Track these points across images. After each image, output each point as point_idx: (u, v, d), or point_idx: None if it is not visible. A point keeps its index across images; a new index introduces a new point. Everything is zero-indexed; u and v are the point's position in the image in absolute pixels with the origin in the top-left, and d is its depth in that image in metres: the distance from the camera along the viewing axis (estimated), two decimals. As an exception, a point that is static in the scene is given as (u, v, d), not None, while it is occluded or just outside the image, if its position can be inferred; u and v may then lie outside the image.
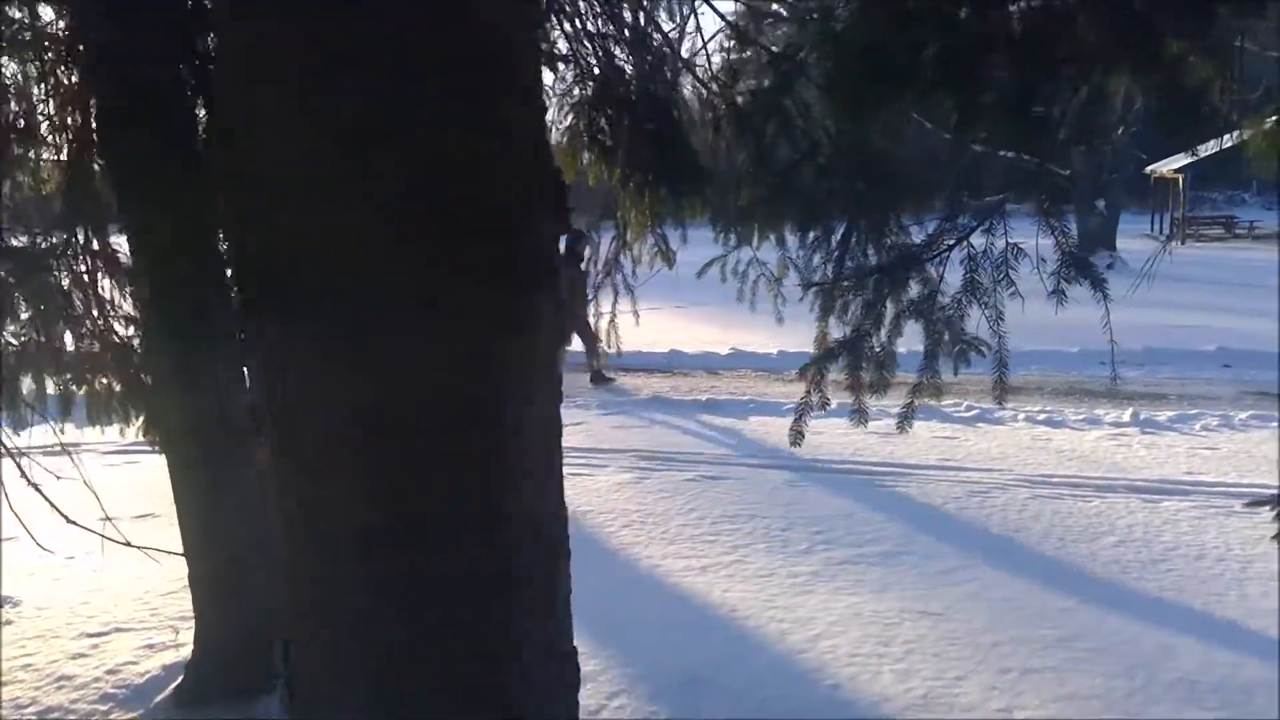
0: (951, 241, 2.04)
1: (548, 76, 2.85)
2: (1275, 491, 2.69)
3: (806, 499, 5.97)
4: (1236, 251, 23.87)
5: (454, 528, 1.46)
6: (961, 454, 7.04)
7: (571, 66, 2.75)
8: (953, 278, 2.36)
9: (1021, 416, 8.16)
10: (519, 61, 1.33)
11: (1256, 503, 2.77)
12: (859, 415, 2.45)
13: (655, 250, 3.14)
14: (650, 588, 4.70)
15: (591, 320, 9.46)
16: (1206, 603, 4.30)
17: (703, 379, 10.64)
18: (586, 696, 3.61)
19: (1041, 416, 8.16)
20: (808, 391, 2.37)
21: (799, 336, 3.84)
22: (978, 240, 2.16)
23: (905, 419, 2.45)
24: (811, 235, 2.26)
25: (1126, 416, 7.96)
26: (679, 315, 13.59)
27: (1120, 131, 21.14)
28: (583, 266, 8.70)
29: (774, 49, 2.70)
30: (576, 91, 2.79)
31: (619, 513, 5.76)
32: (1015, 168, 2.07)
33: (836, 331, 2.35)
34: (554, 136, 3.04)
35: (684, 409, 8.82)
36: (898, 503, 5.91)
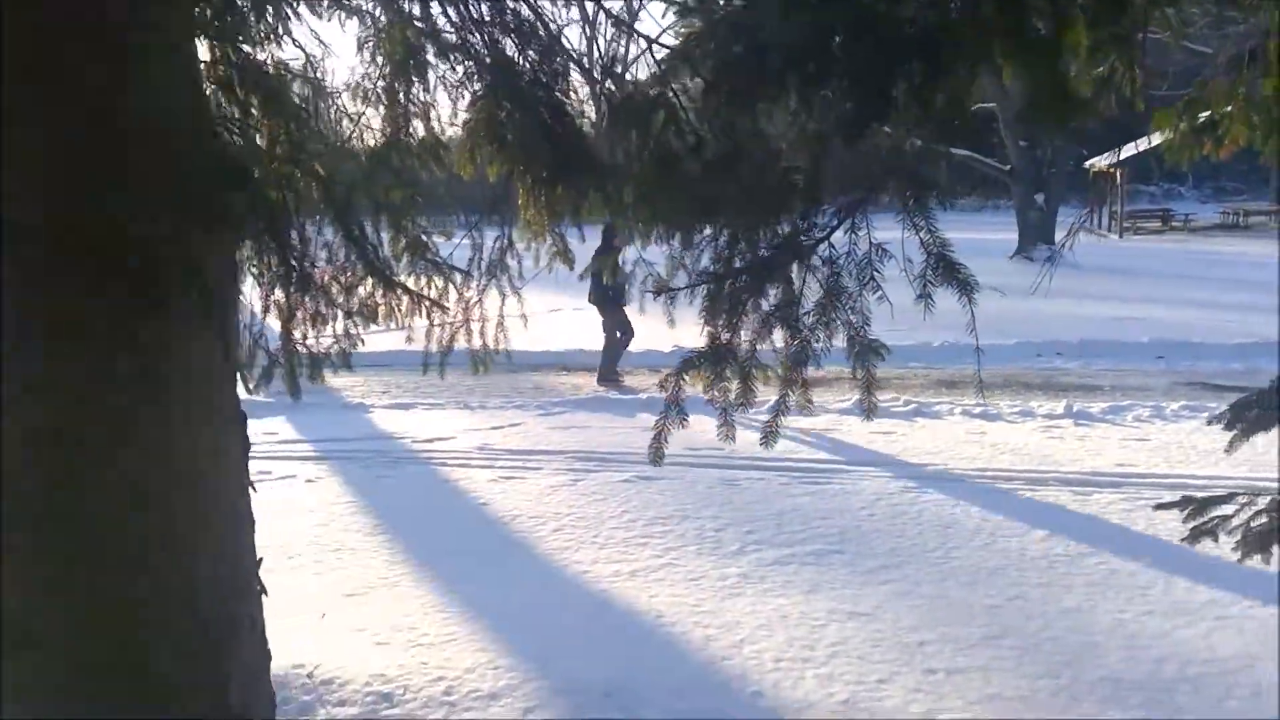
0: (821, 235, 1.94)
1: (440, 66, 2.74)
2: (1194, 493, 2.65)
3: (741, 499, 5.90)
4: (1173, 244, 24.43)
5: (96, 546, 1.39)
6: (898, 449, 7.02)
7: (462, 56, 2.62)
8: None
9: (958, 410, 8.19)
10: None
11: (1164, 506, 2.73)
12: (725, 431, 2.35)
13: (554, 250, 3.02)
14: (578, 595, 4.58)
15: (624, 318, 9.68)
16: (1132, 597, 4.30)
17: (645, 377, 10.56)
18: (503, 710, 3.49)
19: (977, 410, 8.18)
20: (668, 405, 2.27)
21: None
22: (849, 239, 2.07)
23: (769, 436, 2.35)
24: (698, 234, 2.15)
25: (1060, 409, 8.02)
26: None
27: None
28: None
29: (656, 39, 2.62)
30: (472, 83, 2.66)
31: (550, 517, 5.63)
32: (884, 161, 1.98)
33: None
34: (452, 130, 2.92)
35: (624, 408, 8.71)
36: (833, 500, 5.86)
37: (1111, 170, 26.83)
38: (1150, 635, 3.88)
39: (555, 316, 13.12)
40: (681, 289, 2.16)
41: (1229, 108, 2.57)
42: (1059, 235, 20.68)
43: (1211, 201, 33.53)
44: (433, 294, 3.00)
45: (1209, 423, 2.60)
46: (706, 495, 5.93)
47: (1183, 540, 2.73)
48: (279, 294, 2.69)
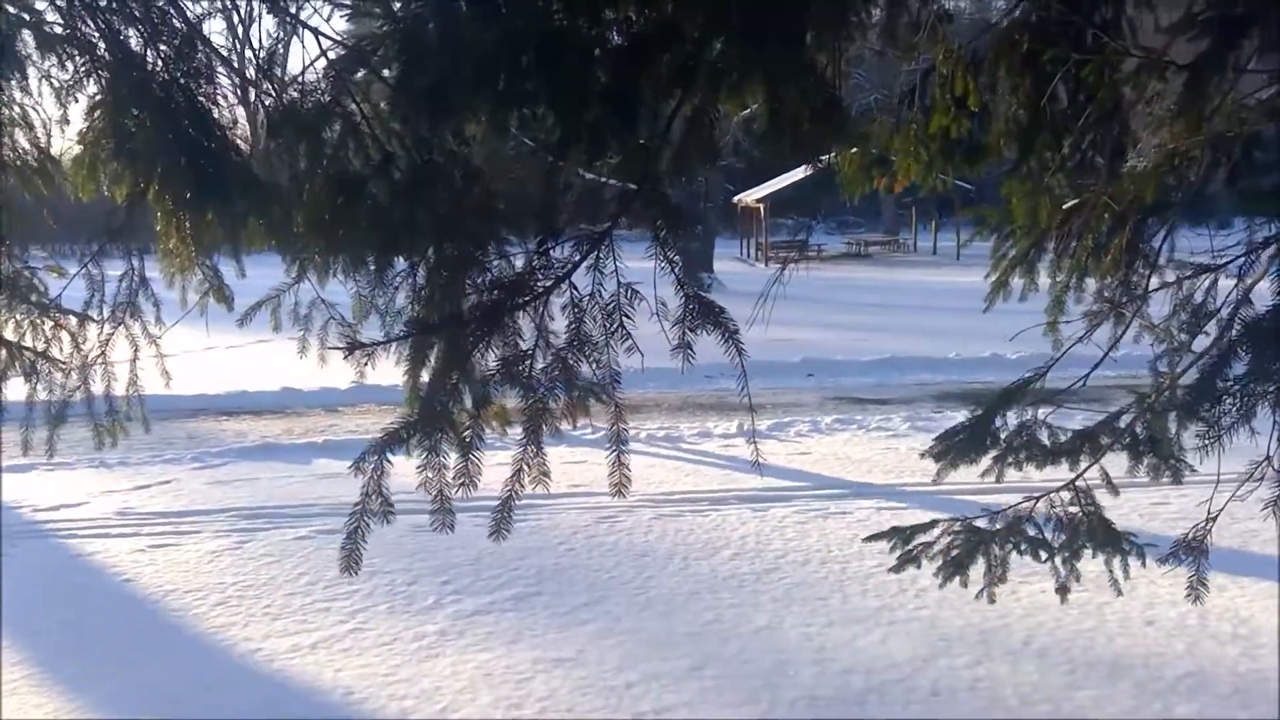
0: (548, 283, 1.76)
1: (44, 62, 2.19)
2: (892, 528, 2.78)
3: (433, 546, 5.53)
4: (809, 272, 27.26)
5: None
6: (590, 478, 7.00)
7: (73, 50, 2.11)
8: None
9: (643, 435, 8.39)
10: None
11: (873, 538, 2.84)
12: (442, 520, 2.09)
13: (206, 288, 2.55)
14: (248, 678, 4.00)
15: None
16: (815, 609, 4.53)
17: (321, 418, 9.80)
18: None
19: (661, 434, 8.44)
20: (366, 494, 1.97)
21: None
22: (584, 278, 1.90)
23: (500, 527, 2.10)
24: (388, 269, 1.88)
25: (734, 428, 8.48)
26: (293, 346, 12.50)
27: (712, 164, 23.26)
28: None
29: (336, 38, 2.31)
30: (87, 84, 2.15)
31: (212, 589, 4.92)
32: (624, 192, 1.85)
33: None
34: (66, 142, 2.38)
35: (298, 454, 7.97)
36: (530, 538, 5.68)
37: (757, 205, 29.51)
38: (835, 647, 4.09)
39: (210, 355, 11.84)
40: (373, 346, 1.84)
41: (899, 144, 2.75)
42: (717, 265, 22.27)
43: (836, 233, 37.99)
44: (39, 344, 2.40)
45: (921, 457, 2.77)
46: (396, 545, 5.50)
47: (890, 570, 2.85)
48: None
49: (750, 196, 30.57)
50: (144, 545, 5.61)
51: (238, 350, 11.06)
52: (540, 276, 1.75)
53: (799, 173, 22.53)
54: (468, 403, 1.91)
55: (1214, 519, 2.59)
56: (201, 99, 2.07)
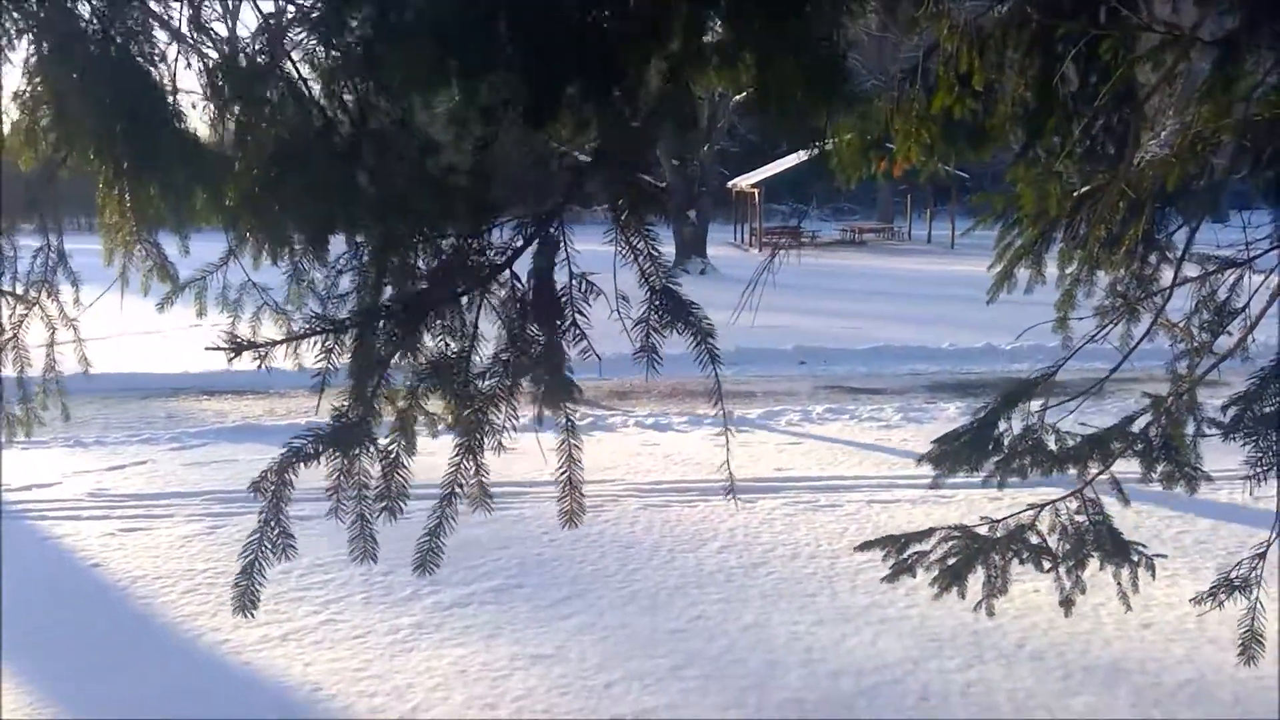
0: (505, 256, 1.58)
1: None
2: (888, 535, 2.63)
3: (413, 534, 5.38)
4: (803, 258, 27.05)
5: None
6: (575, 467, 6.86)
7: (11, 4, 1.93)
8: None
9: (631, 422, 8.25)
10: None
11: (866, 546, 2.70)
12: (363, 549, 1.92)
13: (150, 266, 2.39)
14: (212, 671, 3.85)
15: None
16: (804, 606, 4.40)
17: (304, 398, 9.62)
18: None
19: (649, 420, 8.30)
20: (265, 522, 1.79)
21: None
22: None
23: (425, 560, 1.93)
24: (326, 249, 1.70)
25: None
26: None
27: (707, 148, 23.04)
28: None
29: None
30: (15, 41, 1.96)
31: (181, 575, 4.77)
32: (579, 165, 1.68)
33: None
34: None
35: (278, 435, 7.74)
36: (514, 527, 5.54)
37: (751, 190, 29.28)
38: (824, 647, 3.96)
39: (195, 333, 11.63)
40: (265, 345, 1.64)
41: (899, 125, 2.59)
42: (711, 250, 22.09)
43: (831, 220, 37.80)
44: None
45: (918, 462, 2.60)
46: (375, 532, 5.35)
47: (883, 579, 2.71)
48: None
49: (745, 181, 30.35)
50: (114, 529, 5.46)
51: (221, 328, 10.86)
52: (475, 265, 1.57)
53: (795, 158, 22.36)
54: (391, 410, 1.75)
55: (1263, 554, 2.39)
56: (139, 58, 1.89)
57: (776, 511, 5.83)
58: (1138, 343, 2.34)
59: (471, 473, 1.71)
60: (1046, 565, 2.38)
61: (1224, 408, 2.05)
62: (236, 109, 1.72)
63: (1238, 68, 1.95)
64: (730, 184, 32.19)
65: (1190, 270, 2.36)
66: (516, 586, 4.64)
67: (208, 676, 3.82)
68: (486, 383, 1.69)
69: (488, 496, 1.80)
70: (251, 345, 1.60)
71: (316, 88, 1.80)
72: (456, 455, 1.75)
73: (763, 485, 6.41)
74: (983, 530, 2.45)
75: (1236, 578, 2.28)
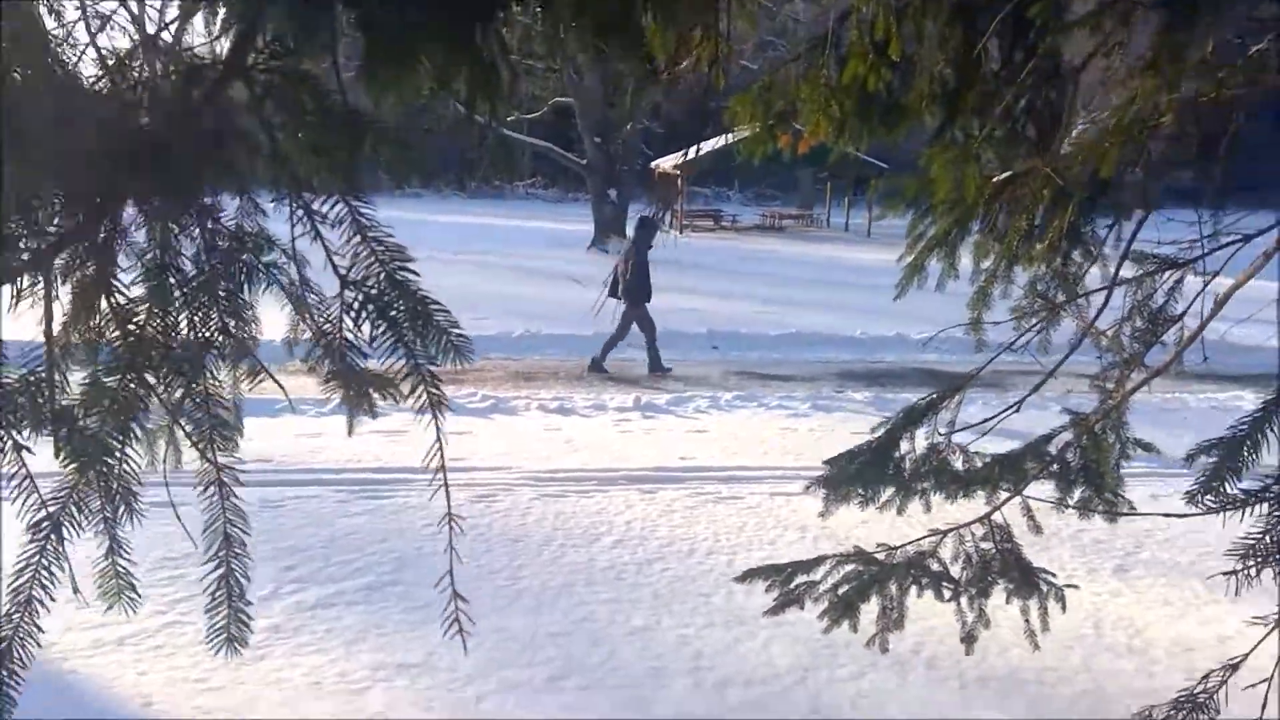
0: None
1: None
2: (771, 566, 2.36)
3: (286, 524, 5.00)
4: (723, 241, 26.97)
5: None
6: (469, 451, 6.51)
7: None
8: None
9: (534, 406, 7.92)
10: None
11: (748, 575, 2.44)
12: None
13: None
14: (35, 680, 3.41)
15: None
16: (696, 607, 4.17)
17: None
18: None
19: (553, 404, 7.98)
20: None
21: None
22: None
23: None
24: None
25: (630, 401, 8.07)
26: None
27: (629, 127, 22.67)
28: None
29: None
30: None
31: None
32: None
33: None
34: None
35: (150, 411, 7.23)
36: (394, 519, 5.19)
37: (674, 172, 29.02)
38: (713, 653, 3.73)
39: None
40: None
41: (806, 95, 2.32)
42: (630, 230, 21.81)
43: (753, 205, 37.83)
44: None
45: (807, 489, 2.30)
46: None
47: (766, 613, 2.47)
48: None
49: (667, 163, 30.09)
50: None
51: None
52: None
53: (720, 140, 22.16)
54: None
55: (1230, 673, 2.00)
56: None
57: (677, 503, 5.60)
58: (1060, 362, 2.11)
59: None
60: (947, 594, 2.17)
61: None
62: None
63: (1189, 33, 1.73)
64: (653, 165, 31.92)
65: (1126, 270, 2.15)
66: (390, 584, 4.30)
67: (27, 688, 3.39)
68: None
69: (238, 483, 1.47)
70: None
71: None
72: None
73: (665, 475, 6.18)
74: (880, 556, 2.22)
75: (1199, 696, 1.97)
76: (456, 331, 1.27)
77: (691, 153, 26.09)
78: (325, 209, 1.23)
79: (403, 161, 1.20)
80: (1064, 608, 2.23)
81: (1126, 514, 2.15)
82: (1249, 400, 7.67)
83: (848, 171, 30.43)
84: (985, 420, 2.24)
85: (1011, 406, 2.14)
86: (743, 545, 4.95)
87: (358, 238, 1.21)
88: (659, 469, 6.30)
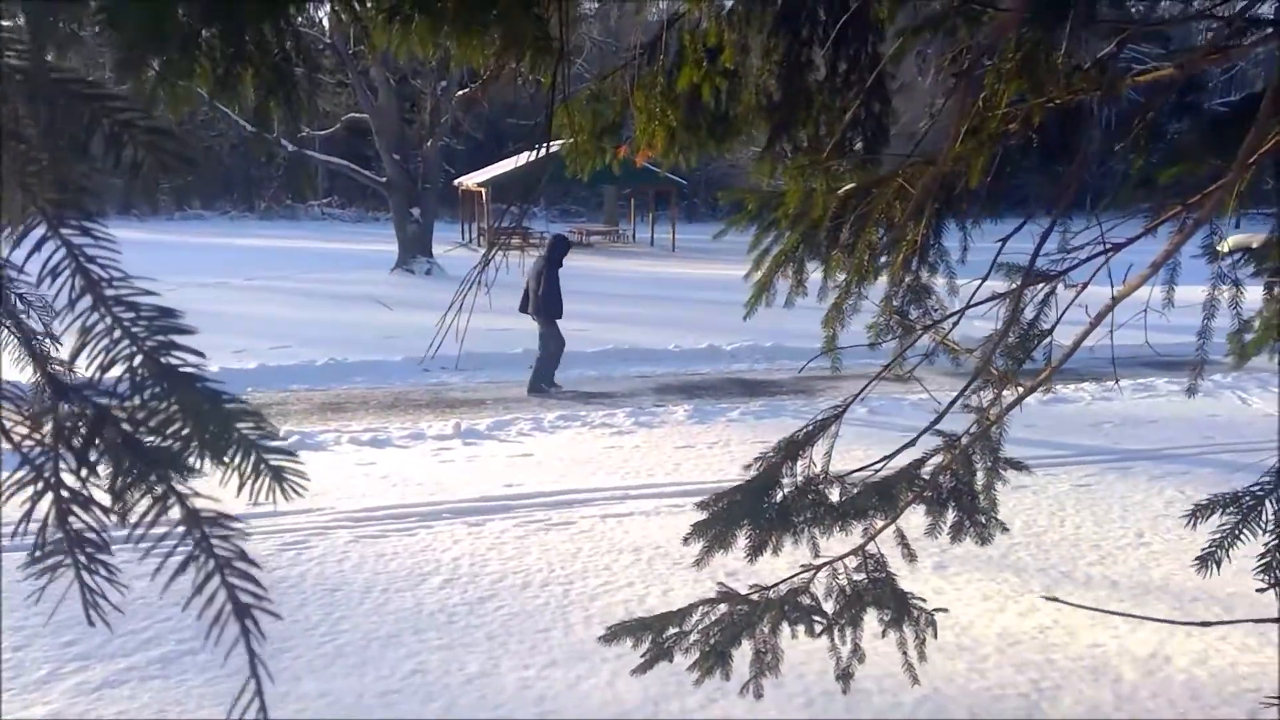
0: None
1: None
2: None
3: (55, 592, 4.36)
4: (532, 259, 26.79)
5: None
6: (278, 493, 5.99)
7: None
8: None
9: (345, 439, 7.44)
10: None
11: (613, 634, 2.26)
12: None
13: None
14: None
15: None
16: (535, 645, 3.96)
17: None
18: None
19: (366, 436, 7.53)
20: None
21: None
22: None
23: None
24: None
25: (449, 428, 7.73)
26: None
27: (429, 144, 22.07)
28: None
29: None
30: None
31: None
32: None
33: None
34: None
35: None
36: (189, 576, 4.65)
37: (478, 189, 28.59)
38: (557, 694, 3.54)
39: None
40: None
41: (640, 104, 2.20)
42: (436, 249, 21.24)
43: (560, 221, 37.90)
44: None
45: (685, 542, 2.13)
46: (9, 591, 4.28)
47: (633, 671, 2.30)
48: None
49: (471, 180, 29.63)
50: None
51: None
52: None
53: (523, 157, 21.94)
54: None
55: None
56: None
57: (506, 534, 5.36)
58: (941, 416, 2.05)
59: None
60: (819, 628, 2.10)
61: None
62: None
63: (1060, 32, 1.72)
64: (456, 182, 31.34)
65: (998, 284, 2.14)
66: (190, 654, 3.83)
67: None
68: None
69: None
70: None
71: None
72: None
73: (492, 505, 5.92)
74: (754, 597, 2.12)
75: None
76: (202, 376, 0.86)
77: (496, 171, 25.77)
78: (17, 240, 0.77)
79: (163, 156, 0.85)
80: (935, 633, 2.20)
81: (999, 535, 2.15)
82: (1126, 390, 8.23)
83: (648, 187, 31.07)
84: (878, 461, 2.18)
85: (907, 443, 2.09)
86: (578, 573, 4.78)
87: (86, 297, 0.80)
88: (484, 499, 6.03)
